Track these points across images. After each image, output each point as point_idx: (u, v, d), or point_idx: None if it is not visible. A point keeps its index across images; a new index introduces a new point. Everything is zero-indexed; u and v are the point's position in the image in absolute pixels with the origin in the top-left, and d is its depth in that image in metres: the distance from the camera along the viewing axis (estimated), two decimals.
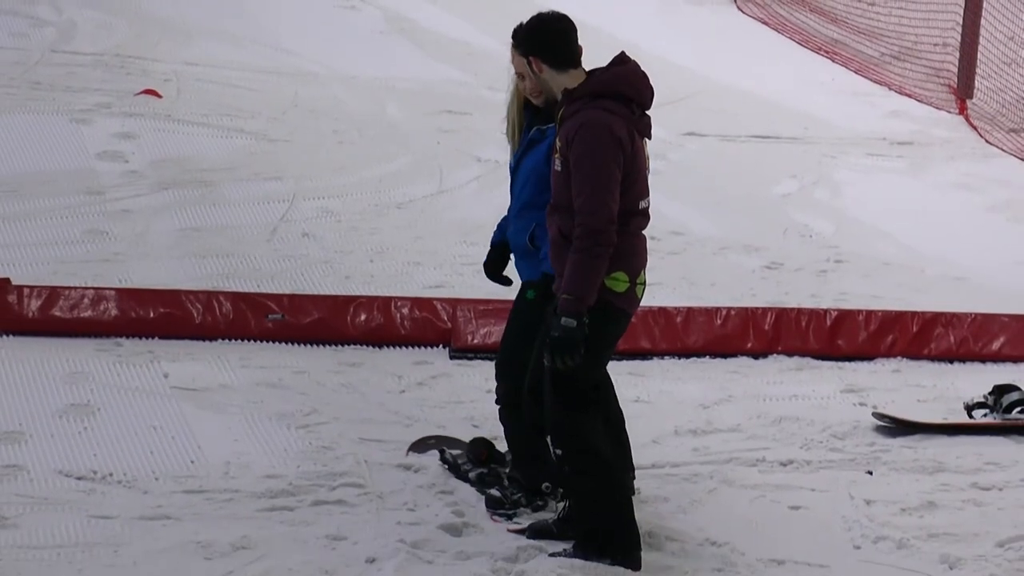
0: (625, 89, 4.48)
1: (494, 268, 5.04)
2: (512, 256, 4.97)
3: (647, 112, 4.55)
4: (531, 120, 4.76)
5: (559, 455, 4.56)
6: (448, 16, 11.19)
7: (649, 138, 4.59)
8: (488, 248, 5.08)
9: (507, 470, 4.97)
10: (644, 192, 4.56)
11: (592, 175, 4.39)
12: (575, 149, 4.41)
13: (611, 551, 4.55)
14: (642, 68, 4.57)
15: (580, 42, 4.62)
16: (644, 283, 4.60)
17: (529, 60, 4.54)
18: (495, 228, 5.07)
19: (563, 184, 4.48)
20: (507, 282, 5.06)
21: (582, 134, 4.40)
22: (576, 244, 4.41)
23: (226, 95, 9.23)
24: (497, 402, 4.99)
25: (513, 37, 4.61)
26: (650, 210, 4.62)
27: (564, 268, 4.49)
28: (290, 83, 9.58)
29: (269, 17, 10.99)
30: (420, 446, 5.28)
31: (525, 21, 4.58)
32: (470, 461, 5.04)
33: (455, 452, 5.14)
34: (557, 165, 4.49)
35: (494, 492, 4.90)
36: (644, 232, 4.61)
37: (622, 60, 4.55)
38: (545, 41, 4.52)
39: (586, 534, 4.58)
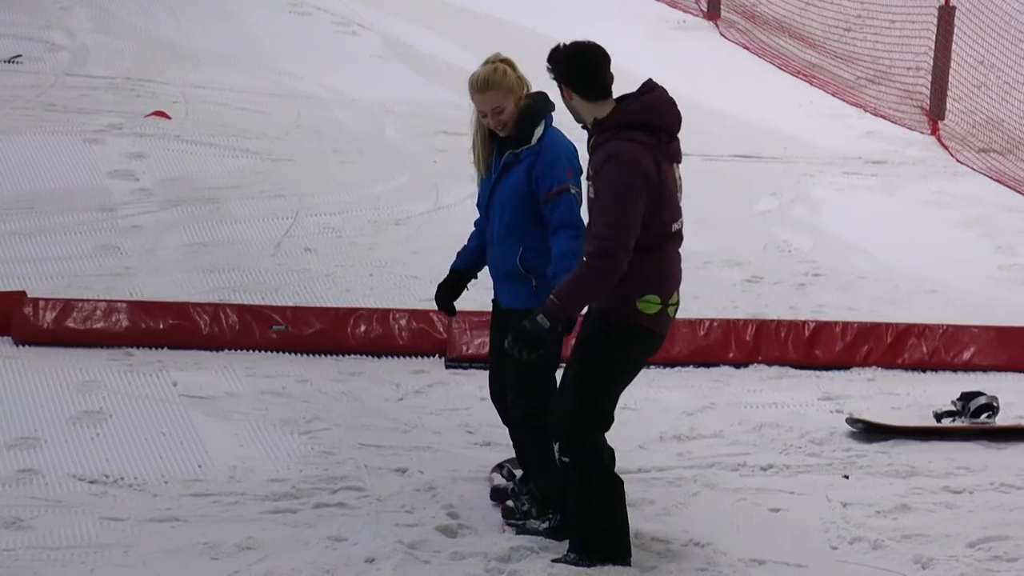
0: (652, 118, 4.51)
1: (447, 294, 5.05)
2: (493, 281, 4.97)
3: (676, 137, 4.59)
4: (500, 147, 4.86)
5: (565, 463, 4.58)
6: (443, 41, 11.25)
7: (679, 162, 4.58)
8: (448, 272, 5.03)
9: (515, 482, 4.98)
10: (676, 214, 4.57)
11: (615, 205, 4.41)
12: (601, 180, 4.45)
13: (606, 553, 4.64)
14: (669, 94, 4.59)
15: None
16: (677, 303, 4.58)
17: (561, 87, 4.55)
18: (456, 255, 5.07)
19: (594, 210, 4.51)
20: (453, 311, 5.09)
21: (608, 166, 4.44)
22: (585, 260, 4.43)
23: (232, 117, 9.34)
24: (504, 422, 5.02)
25: (549, 61, 4.57)
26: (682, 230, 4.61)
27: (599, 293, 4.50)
28: (293, 105, 9.69)
29: (273, 43, 11.08)
30: (496, 469, 5.23)
31: (562, 47, 4.57)
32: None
33: (518, 471, 5.06)
34: (591, 193, 4.51)
35: (508, 503, 4.92)
36: (680, 251, 4.62)
37: (650, 88, 4.58)
38: (579, 73, 4.52)
39: (583, 540, 4.65)
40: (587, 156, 4.66)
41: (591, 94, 4.54)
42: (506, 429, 5.03)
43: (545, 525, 4.84)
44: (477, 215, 5.05)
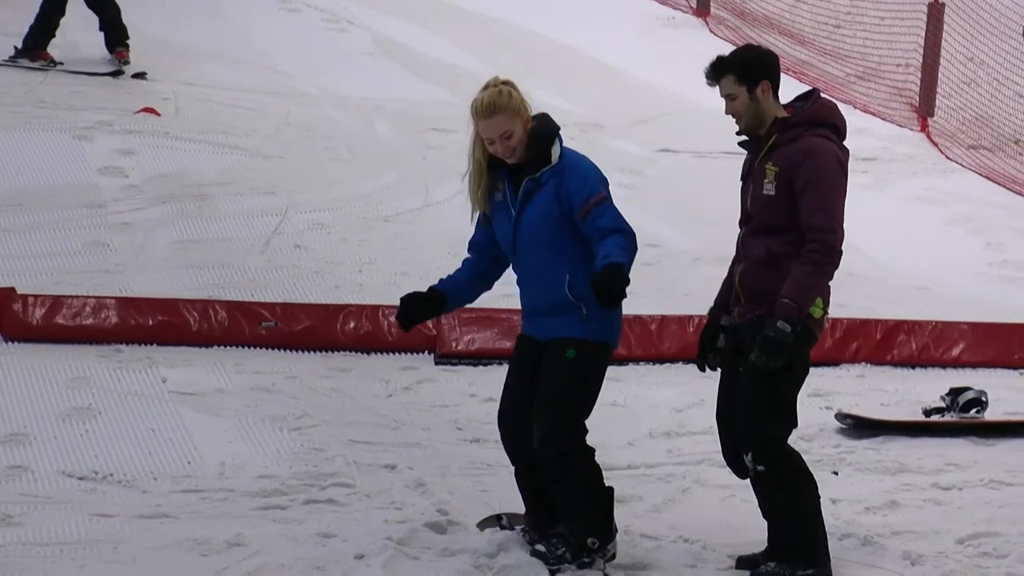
0: (837, 120, 4.57)
1: (417, 311, 4.58)
2: (526, 317, 4.60)
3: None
4: (512, 177, 4.53)
5: (760, 471, 4.54)
6: (434, 38, 11.26)
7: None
8: (427, 288, 4.62)
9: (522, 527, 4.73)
10: None
11: (829, 196, 4.43)
12: (805, 172, 4.44)
13: (811, 558, 4.58)
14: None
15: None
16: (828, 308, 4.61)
17: (758, 86, 4.54)
18: (440, 280, 4.67)
19: (778, 207, 4.49)
20: (409, 330, 4.64)
21: (813, 159, 4.45)
22: (810, 256, 4.43)
23: (222, 114, 9.35)
24: (514, 463, 4.69)
25: (740, 61, 4.58)
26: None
27: (755, 289, 4.53)
28: (283, 102, 9.71)
29: (263, 40, 11.09)
30: (489, 522, 4.90)
31: (737, 52, 4.64)
32: (526, 530, 4.74)
33: (519, 526, 4.81)
34: (771, 190, 4.51)
35: (539, 547, 4.62)
36: None
37: (817, 97, 4.62)
38: (773, 69, 4.58)
39: (789, 549, 4.55)
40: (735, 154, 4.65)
41: (777, 91, 4.59)
42: (497, 427, 4.87)
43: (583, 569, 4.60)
44: (468, 213, 4.71)
